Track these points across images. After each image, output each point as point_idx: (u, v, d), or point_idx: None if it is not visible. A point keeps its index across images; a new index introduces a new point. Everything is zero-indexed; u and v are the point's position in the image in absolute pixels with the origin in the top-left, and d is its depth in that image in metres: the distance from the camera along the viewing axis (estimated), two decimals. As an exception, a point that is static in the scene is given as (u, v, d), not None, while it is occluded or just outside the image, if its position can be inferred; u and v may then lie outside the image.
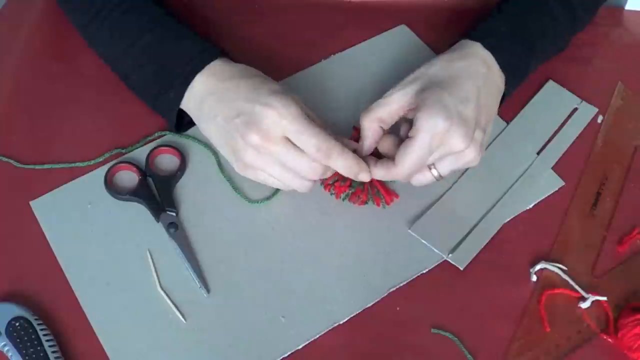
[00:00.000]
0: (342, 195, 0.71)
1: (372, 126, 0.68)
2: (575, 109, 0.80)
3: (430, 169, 0.67)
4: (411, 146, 0.65)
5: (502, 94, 0.72)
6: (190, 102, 0.70)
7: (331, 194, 0.71)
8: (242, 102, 0.66)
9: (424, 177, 0.68)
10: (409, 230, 0.70)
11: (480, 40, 0.71)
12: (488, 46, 0.70)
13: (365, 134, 0.69)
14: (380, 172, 0.67)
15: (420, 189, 0.70)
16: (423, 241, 0.70)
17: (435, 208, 0.72)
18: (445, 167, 0.67)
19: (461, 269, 0.68)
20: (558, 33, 0.78)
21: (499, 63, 0.70)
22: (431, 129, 0.64)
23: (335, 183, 0.70)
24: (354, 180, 0.69)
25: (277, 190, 0.72)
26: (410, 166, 0.65)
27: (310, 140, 0.64)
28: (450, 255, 0.69)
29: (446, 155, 0.66)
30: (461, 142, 0.65)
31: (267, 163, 0.66)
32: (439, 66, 0.69)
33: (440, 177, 0.68)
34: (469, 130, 0.65)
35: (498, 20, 0.74)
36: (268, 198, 0.72)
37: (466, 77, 0.67)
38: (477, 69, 0.69)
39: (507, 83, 0.72)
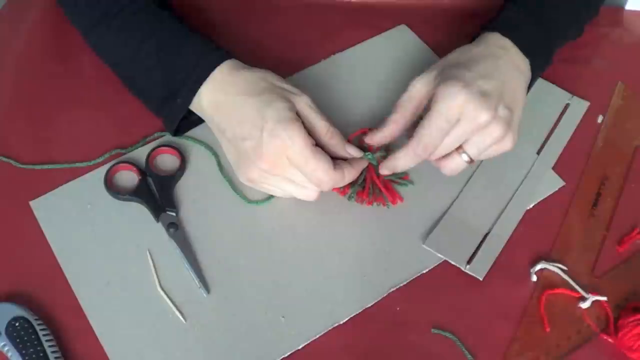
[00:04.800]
0: (347, 196, 0.71)
1: (403, 120, 0.69)
2: (567, 105, 0.80)
3: (459, 154, 0.67)
4: (429, 117, 0.65)
5: (527, 80, 0.71)
6: (199, 111, 0.71)
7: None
8: (249, 126, 0.65)
9: (454, 163, 0.67)
10: (423, 245, 0.70)
11: (497, 29, 0.71)
12: (506, 33, 0.70)
13: (393, 128, 0.69)
14: (403, 158, 0.67)
15: (423, 187, 0.71)
16: (439, 255, 0.69)
17: (445, 219, 0.71)
18: (473, 148, 0.66)
19: (480, 279, 0.68)
20: (573, 14, 0.79)
21: (520, 48, 0.70)
22: (448, 98, 0.64)
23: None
24: (357, 182, 0.71)
25: None
26: (430, 137, 0.65)
27: (314, 173, 0.65)
28: (467, 266, 0.69)
29: (472, 133, 0.65)
30: (483, 113, 0.64)
31: (275, 181, 0.68)
32: (457, 53, 0.70)
33: (471, 161, 0.67)
34: (490, 101, 0.64)
35: (512, 9, 0.74)
36: (268, 198, 0.72)
37: (485, 58, 0.68)
38: (495, 51, 0.69)
39: (532, 68, 0.71)
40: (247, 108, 0.66)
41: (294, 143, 0.64)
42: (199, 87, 0.69)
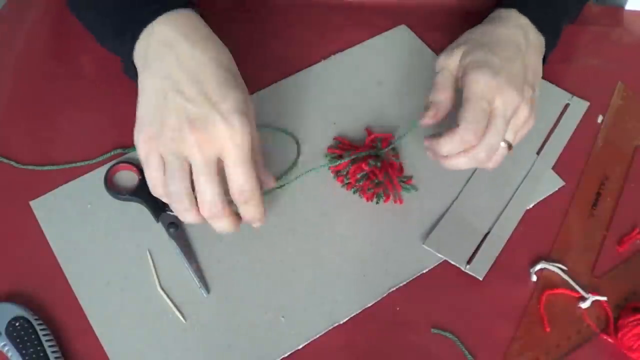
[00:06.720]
0: (358, 176, 0.72)
1: (446, 96, 0.69)
2: (567, 105, 0.80)
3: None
4: (469, 103, 0.65)
5: (542, 56, 0.73)
6: (141, 50, 0.63)
7: (345, 183, 0.73)
8: (201, 92, 0.59)
9: (498, 153, 0.67)
10: (423, 245, 0.70)
11: (514, 6, 0.72)
12: (523, 11, 0.72)
13: (440, 107, 0.69)
14: (448, 144, 0.66)
15: (423, 187, 0.72)
16: (439, 255, 0.69)
17: (445, 219, 0.71)
18: (509, 133, 0.67)
19: (480, 279, 0.68)
20: None
21: (535, 25, 0.71)
22: (482, 83, 0.65)
23: (351, 168, 0.72)
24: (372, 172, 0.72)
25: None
26: (477, 122, 0.64)
27: (241, 177, 0.60)
28: (467, 266, 0.69)
29: (503, 118, 0.65)
30: (515, 96, 0.65)
31: (176, 166, 0.59)
32: (480, 32, 0.71)
33: (509, 146, 0.67)
34: (519, 83, 0.66)
35: None
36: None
37: (507, 41, 0.69)
38: (515, 32, 0.70)
39: (546, 46, 0.73)
40: (207, 73, 0.60)
41: (243, 141, 0.58)
42: (153, 21, 0.62)
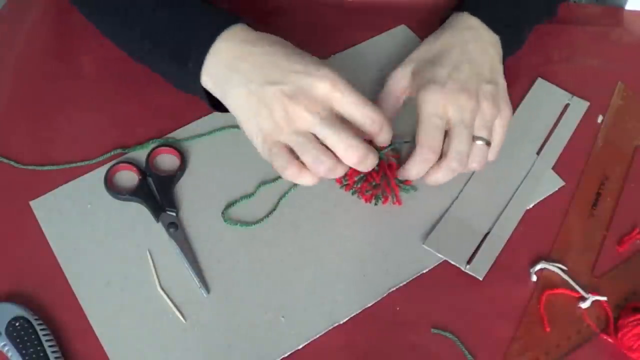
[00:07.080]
0: (356, 178, 0.72)
1: (390, 117, 0.71)
2: (567, 105, 0.80)
3: (475, 142, 0.68)
4: (421, 122, 0.66)
5: (500, 53, 0.73)
6: (212, 71, 0.66)
7: (343, 184, 0.72)
8: (285, 72, 0.62)
9: (476, 153, 0.68)
10: (424, 245, 0.70)
11: (465, 9, 0.74)
12: (472, 12, 0.74)
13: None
14: (414, 167, 0.67)
15: (423, 187, 0.72)
16: (439, 255, 0.69)
17: (445, 219, 0.71)
18: (481, 130, 0.68)
19: (480, 279, 0.68)
20: None
21: (488, 26, 0.73)
22: (431, 102, 0.66)
23: (349, 170, 0.71)
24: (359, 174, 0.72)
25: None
26: (431, 138, 0.66)
27: (366, 111, 0.62)
28: (467, 266, 0.69)
29: (461, 124, 0.66)
30: (468, 103, 0.66)
31: (302, 140, 0.62)
32: (426, 46, 0.74)
33: (488, 143, 0.69)
34: (470, 88, 0.67)
35: None
36: (264, 218, 0.72)
37: (452, 45, 0.71)
38: (462, 35, 0.72)
39: (503, 45, 0.74)
40: (279, 55, 0.64)
41: (343, 83, 0.61)
42: (213, 44, 0.65)
